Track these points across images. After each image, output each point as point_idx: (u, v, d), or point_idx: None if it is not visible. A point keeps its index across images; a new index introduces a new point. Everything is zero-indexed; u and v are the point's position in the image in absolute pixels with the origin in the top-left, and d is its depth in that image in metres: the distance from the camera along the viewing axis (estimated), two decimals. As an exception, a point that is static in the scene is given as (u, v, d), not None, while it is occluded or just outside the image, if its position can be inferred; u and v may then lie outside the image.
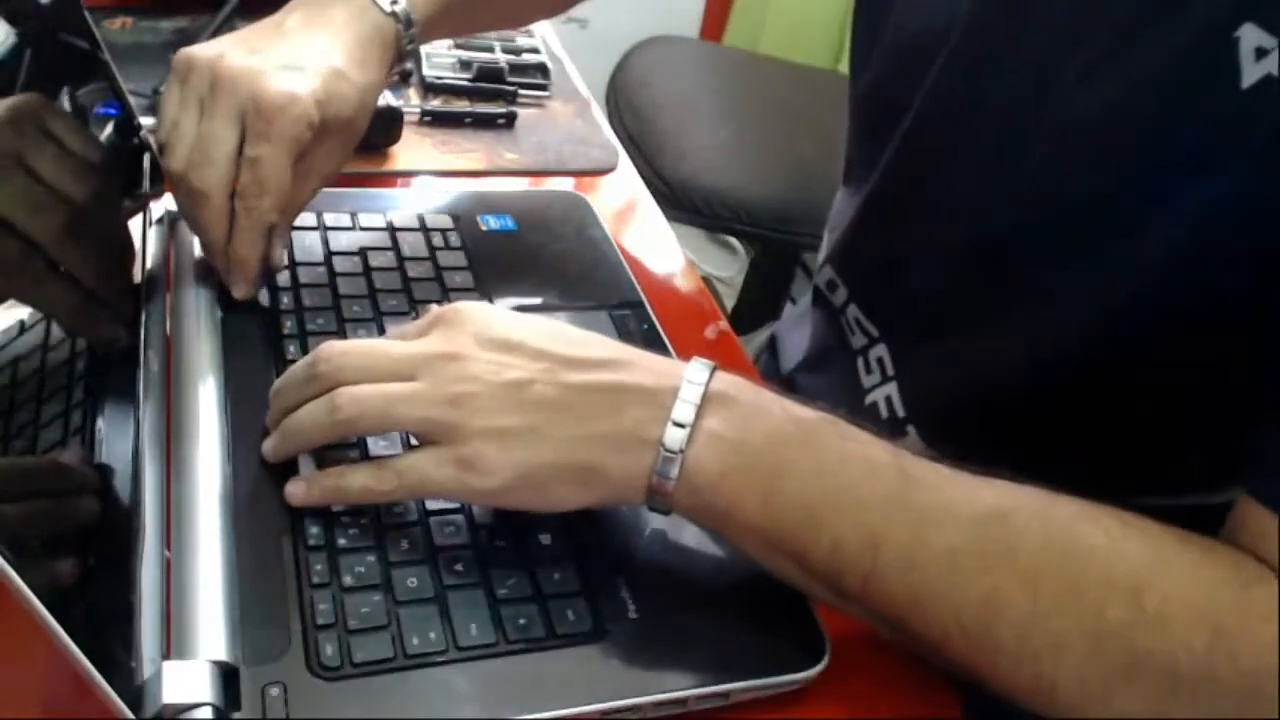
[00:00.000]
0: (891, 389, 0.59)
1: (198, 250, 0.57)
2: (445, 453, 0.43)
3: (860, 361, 0.61)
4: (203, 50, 0.52)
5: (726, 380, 0.45)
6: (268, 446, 0.48)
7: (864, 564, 0.42)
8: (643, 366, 0.45)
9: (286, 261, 0.58)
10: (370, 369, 0.45)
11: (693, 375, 0.44)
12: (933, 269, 0.55)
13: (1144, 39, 0.44)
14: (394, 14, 0.58)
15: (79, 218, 0.49)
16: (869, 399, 0.60)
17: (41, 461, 0.47)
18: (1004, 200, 0.51)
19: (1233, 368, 0.44)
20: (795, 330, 0.72)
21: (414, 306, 0.59)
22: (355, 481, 0.45)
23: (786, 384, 0.69)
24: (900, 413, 0.58)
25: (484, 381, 0.44)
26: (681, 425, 0.43)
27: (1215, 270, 0.43)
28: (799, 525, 0.43)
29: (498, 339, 0.45)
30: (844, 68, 1.77)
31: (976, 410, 0.54)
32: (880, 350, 0.60)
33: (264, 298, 0.57)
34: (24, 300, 0.51)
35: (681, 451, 0.43)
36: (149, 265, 0.58)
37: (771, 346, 0.76)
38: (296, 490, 0.46)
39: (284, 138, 0.51)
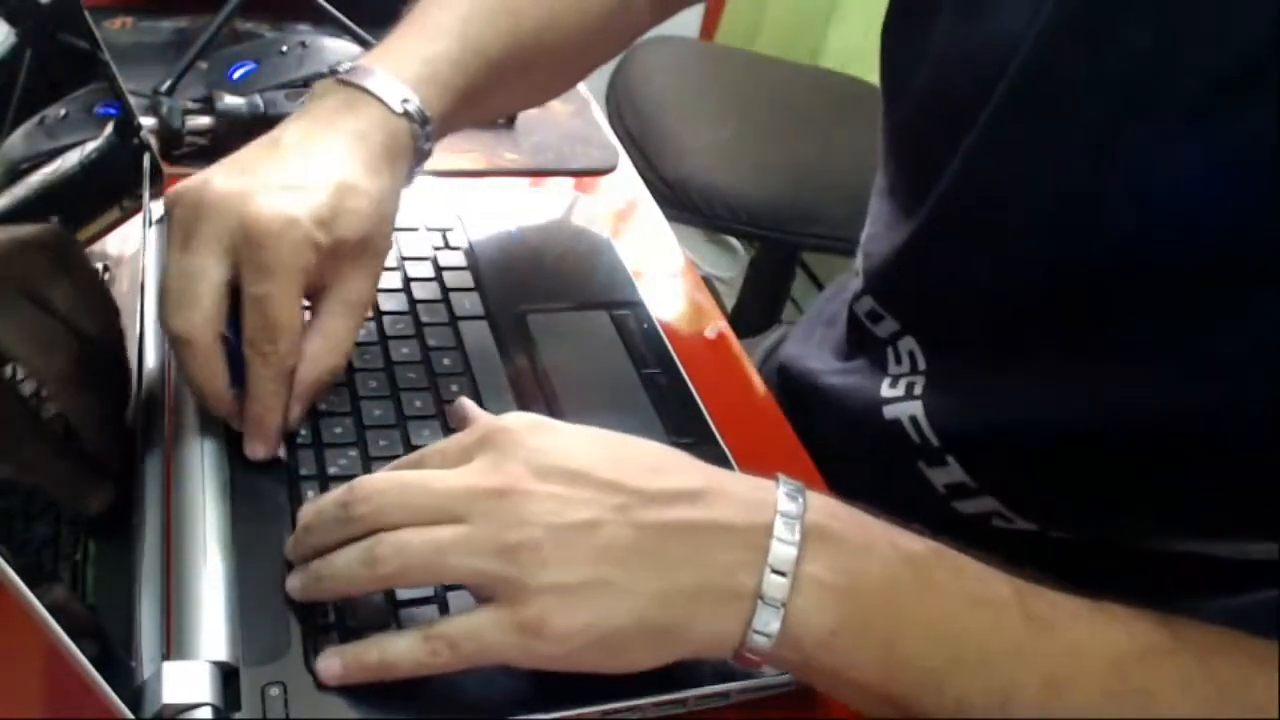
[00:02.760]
0: (916, 409, 0.56)
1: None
2: (505, 615, 0.38)
3: (887, 381, 0.59)
4: (189, 180, 0.47)
5: (821, 508, 0.40)
6: (295, 586, 0.42)
7: None
8: (726, 495, 0.40)
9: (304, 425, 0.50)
10: (412, 509, 0.40)
11: (785, 506, 0.39)
12: (990, 310, 0.52)
13: (1223, 113, 0.41)
14: (406, 114, 0.52)
15: (88, 359, 0.44)
16: (888, 412, 0.57)
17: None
18: (1066, 259, 0.48)
19: None
20: (819, 347, 0.69)
21: (414, 306, 0.59)
22: (404, 657, 0.39)
23: (809, 391, 0.66)
24: (935, 442, 0.55)
25: (546, 525, 0.38)
26: (782, 573, 0.38)
27: None
28: (919, 684, 0.39)
29: (558, 467, 0.40)
30: (828, 64, 1.77)
31: (1018, 447, 0.51)
32: (918, 379, 0.57)
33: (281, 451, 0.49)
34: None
35: (784, 604, 0.38)
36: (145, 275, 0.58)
37: (782, 361, 0.73)
38: (330, 667, 0.40)
39: (286, 268, 0.45)
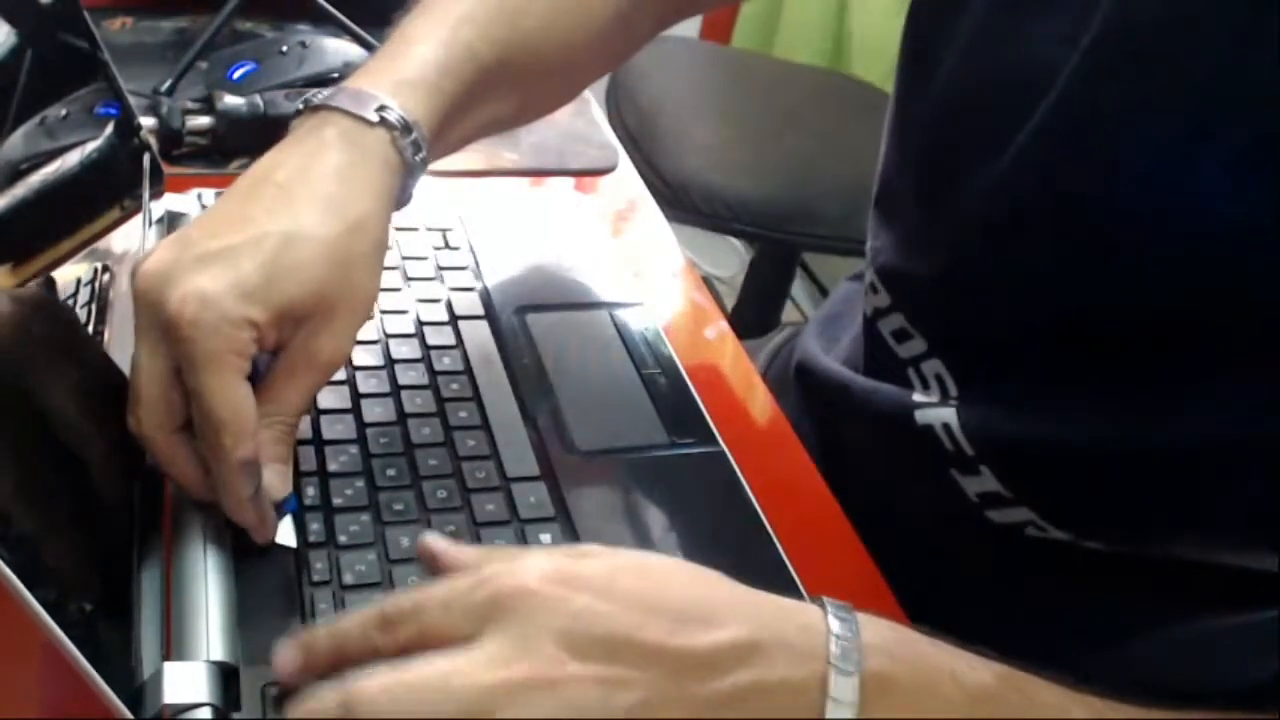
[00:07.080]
0: (949, 416, 0.53)
1: None
2: None
3: (913, 394, 0.56)
4: (147, 254, 0.43)
5: (877, 646, 0.37)
6: None
7: None
8: (778, 647, 0.36)
9: (291, 488, 0.45)
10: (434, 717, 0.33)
11: (841, 656, 0.36)
12: (1031, 336, 0.50)
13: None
14: (383, 121, 0.46)
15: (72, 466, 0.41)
16: (919, 417, 0.55)
17: None
18: (1115, 285, 0.46)
19: None
20: (839, 353, 0.67)
21: (414, 306, 0.59)
22: None
23: (836, 391, 0.63)
24: (968, 451, 0.53)
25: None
26: None
27: None
28: None
29: (594, 638, 0.35)
30: (848, 69, 1.77)
31: (1056, 461, 0.50)
32: (950, 404, 0.54)
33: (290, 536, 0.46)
34: None
35: None
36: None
37: (801, 360, 0.70)
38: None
39: (212, 357, 0.40)
